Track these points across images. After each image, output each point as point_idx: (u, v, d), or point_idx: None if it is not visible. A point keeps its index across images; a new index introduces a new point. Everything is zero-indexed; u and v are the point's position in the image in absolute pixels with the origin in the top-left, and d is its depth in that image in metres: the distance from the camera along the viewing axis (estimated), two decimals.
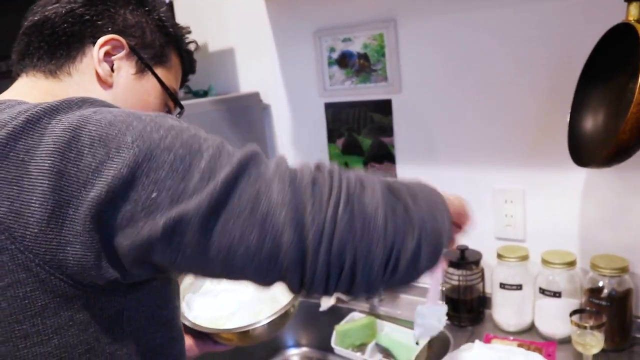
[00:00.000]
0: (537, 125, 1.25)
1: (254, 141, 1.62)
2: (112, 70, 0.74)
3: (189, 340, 0.96)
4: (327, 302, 1.47)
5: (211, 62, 1.79)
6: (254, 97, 1.67)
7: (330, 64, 1.53)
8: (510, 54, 1.25)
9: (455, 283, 1.35)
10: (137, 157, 0.52)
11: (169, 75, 0.81)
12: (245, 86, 1.74)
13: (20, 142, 0.53)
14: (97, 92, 0.72)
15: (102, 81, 0.73)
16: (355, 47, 1.47)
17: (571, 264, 1.20)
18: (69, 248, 0.52)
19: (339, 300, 1.47)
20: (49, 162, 0.52)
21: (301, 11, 1.55)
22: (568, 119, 1.04)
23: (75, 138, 0.53)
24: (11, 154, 0.53)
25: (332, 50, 1.51)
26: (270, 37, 1.64)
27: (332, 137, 1.59)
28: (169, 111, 0.84)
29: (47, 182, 0.51)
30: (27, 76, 0.73)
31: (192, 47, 0.89)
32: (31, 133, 0.54)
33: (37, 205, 0.51)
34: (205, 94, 1.68)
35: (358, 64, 1.48)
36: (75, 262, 0.53)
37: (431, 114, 1.40)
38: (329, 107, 1.58)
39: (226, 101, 1.55)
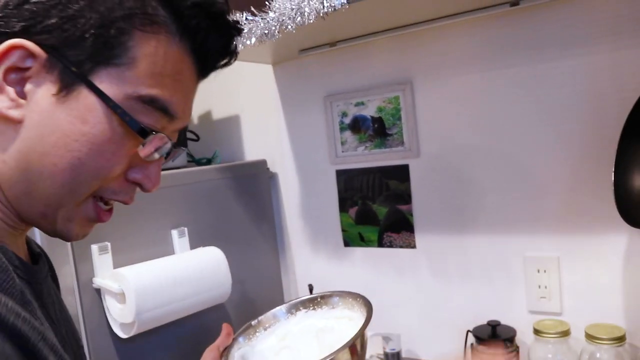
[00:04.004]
0: (570, 186, 1.18)
1: (261, 211, 1.55)
2: (23, 96, 0.49)
3: None
4: None
5: (216, 129, 1.73)
6: (261, 165, 1.59)
7: (342, 129, 1.47)
8: (537, 113, 1.20)
9: None
10: None
11: (131, 75, 0.51)
12: (252, 154, 1.67)
13: None
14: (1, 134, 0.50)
15: (5, 117, 0.49)
16: (369, 111, 1.42)
17: (620, 339, 1.08)
18: None
19: None
20: None
21: (311, 76, 1.51)
22: (613, 178, 0.97)
23: None
24: None
25: (344, 114, 1.46)
26: (278, 102, 1.59)
27: (344, 206, 1.50)
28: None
29: None
30: None
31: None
32: None
33: None
34: (209, 161, 1.60)
35: (372, 129, 1.42)
36: None
37: (452, 179, 1.32)
38: (340, 174, 1.50)
39: (231, 169, 1.47)
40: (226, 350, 0.86)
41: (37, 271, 0.58)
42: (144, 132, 0.52)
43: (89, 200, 0.55)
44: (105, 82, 0.50)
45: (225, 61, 0.61)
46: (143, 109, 0.52)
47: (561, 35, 1.15)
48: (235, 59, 0.62)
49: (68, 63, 0.49)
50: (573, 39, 1.14)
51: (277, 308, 0.94)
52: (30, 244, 0.64)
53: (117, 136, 0.51)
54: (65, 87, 0.49)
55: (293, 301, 0.95)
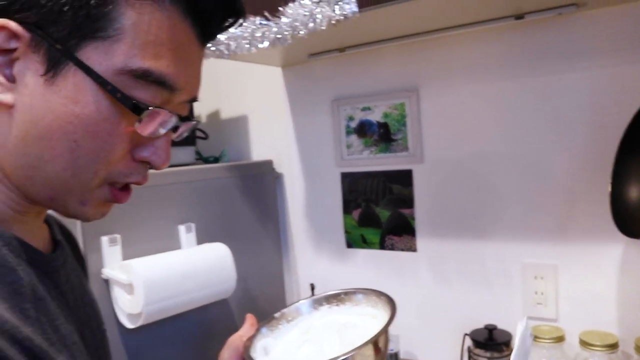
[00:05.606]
0: (569, 196, 1.21)
1: (266, 210, 1.58)
2: (12, 79, 0.48)
3: None
4: None
5: (224, 128, 1.76)
6: (267, 165, 1.62)
7: (348, 133, 1.50)
8: (539, 123, 1.23)
9: None
10: None
11: (119, 47, 0.47)
12: (258, 154, 1.70)
13: None
14: None
15: None
16: (375, 117, 1.45)
17: (613, 346, 1.11)
18: None
19: None
20: None
21: (319, 79, 1.55)
22: (609, 189, 1.00)
23: None
24: None
25: (351, 119, 1.49)
26: (286, 104, 1.62)
27: (347, 208, 1.54)
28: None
29: None
30: None
31: None
32: None
33: None
34: (216, 160, 1.63)
35: (378, 134, 1.45)
36: None
37: (454, 185, 1.36)
38: (345, 177, 1.53)
39: (238, 168, 1.50)
40: (249, 340, 0.86)
41: (52, 259, 0.58)
42: (137, 109, 0.48)
43: (104, 187, 0.53)
44: (93, 58, 0.47)
45: (231, 20, 0.56)
46: (137, 84, 0.49)
47: (564, 49, 1.18)
48: (243, 17, 0.56)
49: (52, 41, 0.46)
50: (576, 53, 1.17)
51: (301, 302, 0.94)
52: (53, 227, 0.63)
53: (110, 115, 0.48)
54: (53, 67, 0.47)
55: (316, 296, 0.95)
